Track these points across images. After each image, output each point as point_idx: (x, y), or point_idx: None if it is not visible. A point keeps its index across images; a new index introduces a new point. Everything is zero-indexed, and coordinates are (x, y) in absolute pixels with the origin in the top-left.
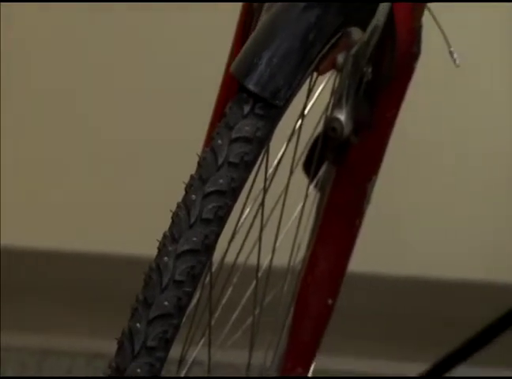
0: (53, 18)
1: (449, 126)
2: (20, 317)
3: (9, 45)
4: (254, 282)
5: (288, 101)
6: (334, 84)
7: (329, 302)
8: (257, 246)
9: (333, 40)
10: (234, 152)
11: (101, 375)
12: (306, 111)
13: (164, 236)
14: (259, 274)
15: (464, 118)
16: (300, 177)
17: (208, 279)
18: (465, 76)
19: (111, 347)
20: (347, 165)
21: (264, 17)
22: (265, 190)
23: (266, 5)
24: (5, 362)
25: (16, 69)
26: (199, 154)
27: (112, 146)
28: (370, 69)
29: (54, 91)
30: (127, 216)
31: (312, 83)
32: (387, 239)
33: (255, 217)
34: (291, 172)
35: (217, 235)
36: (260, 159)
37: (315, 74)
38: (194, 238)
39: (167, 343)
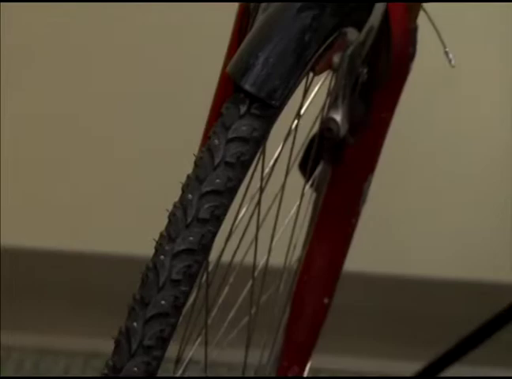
0: (53, 18)
1: (443, 128)
2: (17, 316)
3: (9, 45)
4: (251, 281)
5: (284, 101)
6: (330, 85)
7: (325, 301)
8: (253, 246)
9: (328, 41)
10: (230, 152)
11: (98, 374)
12: (302, 111)
13: (161, 236)
14: (255, 273)
15: (459, 119)
16: (296, 177)
17: (204, 278)
18: (461, 78)
19: (108, 346)
20: (343, 165)
21: (260, 18)
22: (262, 190)
23: (263, 5)
24: (4, 361)
25: (16, 69)
26: (196, 154)
27: (112, 146)
28: (365, 70)
29: (54, 91)
30: (127, 216)
31: (308, 83)
32: (382, 238)
33: (251, 217)
34: (288, 172)
35: (214, 235)
36: (256, 158)
37: (311, 74)
38: (191, 238)
39: (163, 342)
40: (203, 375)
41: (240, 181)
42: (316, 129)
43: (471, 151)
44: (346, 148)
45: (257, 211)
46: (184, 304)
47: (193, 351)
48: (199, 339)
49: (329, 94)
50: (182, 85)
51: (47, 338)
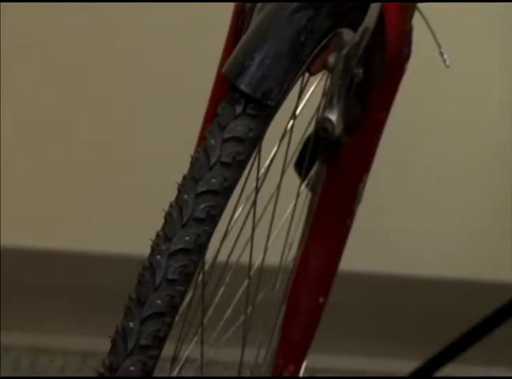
0: (53, 18)
1: (440, 127)
2: (14, 316)
3: (9, 45)
4: (246, 280)
5: (279, 101)
6: (325, 85)
7: (321, 300)
8: (249, 245)
9: (324, 41)
10: (226, 152)
11: (95, 374)
12: (297, 112)
13: (157, 235)
14: (251, 273)
15: (453, 119)
16: (292, 176)
17: (200, 277)
18: (456, 78)
19: (104, 345)
20: (338, 165)
21: (256, 19)
22: (257, 190)
23: (259, 5)
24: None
25: (16, 69)
26: (192, 154)
27: (112, 146)
28: (361, 70)
29: (54, 91)
30: (127, 216)
31: (304, 83)
32: (377, 238)
33: (247, 216)
34: (283, 172)
35: (210, 234)
36: (252, 158)
37: (307, 75)
38: (187, 238)
39: (160, 342)
40: (199, 374)
41: (236, 181)
42: (311, 129)
43: (470, 149)
44: (341, 148)
45: (252, 210)
46: (180, 303)
47: (190, 350)
48: (195, 338)
49: (324, 94)
50: (181, 85)
51: (44, 337)
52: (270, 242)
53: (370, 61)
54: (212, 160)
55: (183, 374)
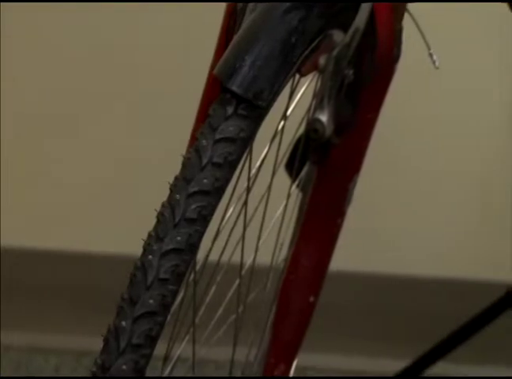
0: (53, 18)
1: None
2: (14, 316)
3: (9, 45)
4: (238, 280)
5: (270, 102)
6: (316, 86)
7: (311, 299)
8: (240, 245)
9: (314, 42)
10: (218, 153)
11: (89, 373)
12: (288, 112)
13: (149, 235)
14: (242, 272)
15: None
16: (283, 177)
17: (192, 277)
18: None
19: (99, 344)
20: (328, 165)
21: (247, 19)
22: (249, 190)
23: (250, 5)
24: None
25: (16, 69)
26: (183, 154)
27: (112, 146)
28: (351, 71)
29: (54, 91)
30: (127, 216)
31: (294, 84)
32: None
33: (238, 216)
34: (274, 172)
35: (201, 234)
36: (243, 159)
37: (297, 76)
38: (179, 238)
39: (152, 341)
40: (191, 372)
41: (227, 181)
42: (302, 129)
43: (465, 149)
44: (332, 149)
45: (244, 210)
46: (172, 303)
47: (181, 349)
48: (187, 338)
49: (315, 95)
50: (170, 87)
51: (38, 336)
52: (261, 241)
53: (360, 62)
54: (204, 161)
55: (175, 373)
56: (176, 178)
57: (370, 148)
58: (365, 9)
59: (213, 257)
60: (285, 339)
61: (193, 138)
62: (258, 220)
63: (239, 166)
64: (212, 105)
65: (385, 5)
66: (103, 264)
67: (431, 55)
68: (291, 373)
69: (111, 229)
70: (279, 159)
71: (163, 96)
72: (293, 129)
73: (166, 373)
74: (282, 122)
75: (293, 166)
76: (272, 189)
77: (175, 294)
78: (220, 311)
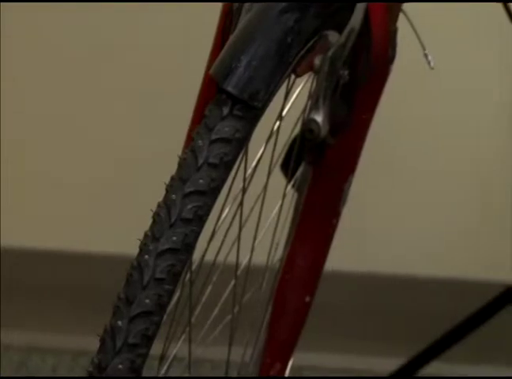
0: (53, 18)
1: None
2: (14, 316)
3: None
4: (233, 280)
5: (266, 103)
6: (311, 86)
7: (307, 299)
8: (236, 245)
9: (310, 43)
10: (213, 153)
11: (86, 373)
12: (284, 113)
13: (145, 235)
14: (238, 272)
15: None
16: (278, 177)
17: (188, 277)
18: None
19: (96, 344)
20: (324, 166)
21: (243, 19)
22: (244, 190)
23: (246, 5)
24: None
25: (16, 69)
26: (179, 155)
27: (112, 146)
28: (346, 72)
29: (54, 91)
30: (127, 216)
31: (290, 85)
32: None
33: (234, 216)
34: (270, 172)
35: (197, 234)
36: (239, 159)
37: (293, 76)
38: (174, 237)
39: (148, 340)
40: (187, 372)
41: (223, 181)
42: (297, 130)
43: (468, 148)
44: (327, 149)
45: (239, 211)
46: (168, 302)
47: (178, 349)
48: (183, 337)
49: (310, 96)
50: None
51: (39, 336)
52: (257, 242)
53: (355, 63)
54: (200, 161)
55: (171, 372)
56: (172, 178)
57: (370, 148)
58: (360, 9)
59: (209, 256)
60: (281, 339)
61: (189, 138)
62: (254, 220)
63: (235, 166)
64: (208, 105)
65: (379, 6)
66: (103, 264)
67: (426, 55)
68: (287, 372)
69: (111, 229)
70: (274, 160)
71: (163, 96)
72: (288, 130)
73: (162, 373)
74: (278, 123)
75: (288, 167)
76: (268, 189)
77: (171, 293)
78: (215, 311)
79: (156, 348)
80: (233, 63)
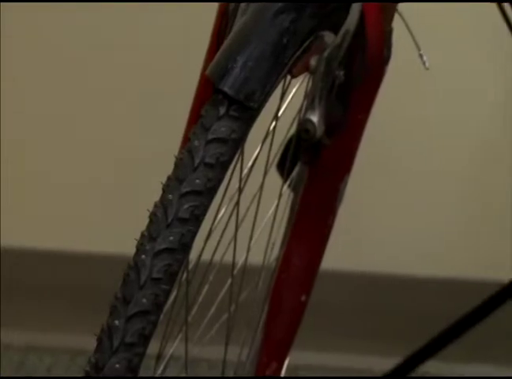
0: (53, 18)
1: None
2: (14, 316)
3: (9, 45)
4: (230, 279)
5: (262, 103)
6: (307, 87)
7: (303, 298)
8: (232, 245)
9: (306, 44)
10: (210, 153)
11: (83, 372)
12: (279, 113)
13: (142, 235)
14: (234, 272)
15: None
16: (274, 177)
17: (184, 276)
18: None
19: (94, 343)
20: (319, 165)
21: (239, 20)
22: (241, 190)
23: (242, 6)
24: None
25: (16, 69)
26: (176, 155)
27: (112, 146)
28: (342, 72)
29: (54, 91)
30: (127, 217)
31: (286, 85)
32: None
33: (231, 216)
34: (266, 172)
35: (194, 234)
36: (235, 159)
37: (289, 77)
38: (171, 237)
39: (145, 339)
40: (184, 371)
41: (220, 181)
42: (293, 130)
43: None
44: (323, 149)
45: (236, 210)
46: (165, 302)
47: (174, 348)
48: (180, 336)
49: (306, 96)
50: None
51: (38, 336)
52: (253, 241)
53: (351, 63)
54: (196, 161)
55: (168, 372)
56: (169, 178)
57: (366, 148)
58: (355, 9)
59: (206, 256)
60: (277, 338)
61: (186, 139)
62: (250, 220)
63: (231, 166)
64: (204, 106)
65: (373, 6)
66: (103, 264)
67: (421, 56)
68: (283, 371)
69: (110, 229)
70: (270, 160)
71: (163, 96)
72: (284, 130)
73: (159, 372)
74: (274, 123)
75: (284, 167)
76: (264, 189)
77: (167, 293)
78: (212, 310)
79: (153, 347)
80: (229, 64)
